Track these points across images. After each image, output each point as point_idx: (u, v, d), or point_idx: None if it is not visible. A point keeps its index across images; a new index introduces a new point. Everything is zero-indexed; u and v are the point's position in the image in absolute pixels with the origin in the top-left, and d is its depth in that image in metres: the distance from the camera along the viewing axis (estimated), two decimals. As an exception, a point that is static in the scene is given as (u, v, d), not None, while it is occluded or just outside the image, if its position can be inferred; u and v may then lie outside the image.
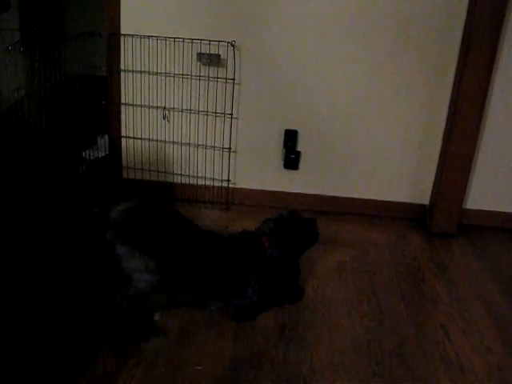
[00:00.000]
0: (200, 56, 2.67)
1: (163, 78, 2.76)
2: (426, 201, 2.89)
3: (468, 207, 2.87)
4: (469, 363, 1.88)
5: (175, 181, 2.94)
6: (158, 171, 2.92)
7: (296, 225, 2.09)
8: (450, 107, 2.69)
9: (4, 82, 2.64)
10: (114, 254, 1.77)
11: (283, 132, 2.81)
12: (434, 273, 2.44)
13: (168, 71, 2.74)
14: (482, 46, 2.49)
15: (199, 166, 2.90)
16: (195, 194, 2.94)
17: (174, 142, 2.87)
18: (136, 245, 1.79)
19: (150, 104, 2.82)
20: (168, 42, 2.69)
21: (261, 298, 2.03)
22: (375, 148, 2.82)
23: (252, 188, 2.90)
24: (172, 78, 2.76)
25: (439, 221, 2.79)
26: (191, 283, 1.94)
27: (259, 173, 2.90)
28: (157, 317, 1.95)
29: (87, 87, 2.87)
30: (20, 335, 1.82)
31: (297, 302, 2.15)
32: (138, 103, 2.83)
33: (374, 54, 2.66)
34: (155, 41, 2.69)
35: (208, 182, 2.91)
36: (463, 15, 2.54)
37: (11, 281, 2.10)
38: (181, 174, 2.92)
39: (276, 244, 2.03)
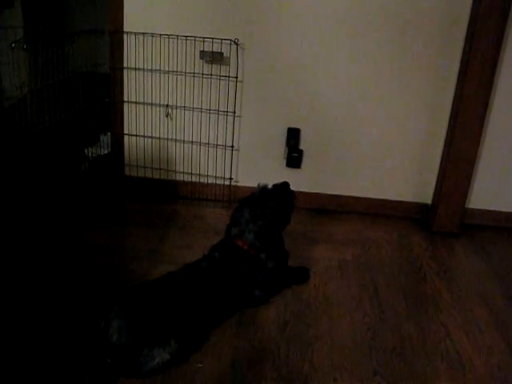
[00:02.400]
0: (203, 54, 2.67)
1: (166, 75, 2.76)
2: (428, 200, 2.89)
3: (470, 206, 2.87)
4: (470, 362, 1.88)
5: (178, 179, 2.94)
6: (160, 169, 2.92)
7: (267, 203, 2.11)
8: (453, 106, 2.68)
9: (7, 79, 2.64)
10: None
11: (286, 130, 2.81)
12: (435, 272, 2.44)
13: (171, 69, 2.74)
14: (485, 44, 2.48)
15: (202, 164, 2.90)
16: (198, 192, 2.94)
17: (176, 140, 2.87)
18: (151, 340, 1.70)
19: (153, 102, 2.82)
20: (171, 40, 2.69)
21: (270, 287, 2.10)
22: (378, 147, 2.82)
23: (254, 186, 2.88)
24: (175, 76, 2.76)
25: (441, 220, 2.78)
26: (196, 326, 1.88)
27: (262, 171, 2.89)
28: None
29: (90, 85, 2.87)
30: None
31: (304, 282, 2.23)
32: (141, 101, 2.83)
33: (376, 52, 2.65)
34: (158, 38, 2.69)
35: (211, 180, 2.91)
36: (467, 12, 2.54)
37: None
38: (183, 172, 2.92)
39: (255, 237, 2.04)
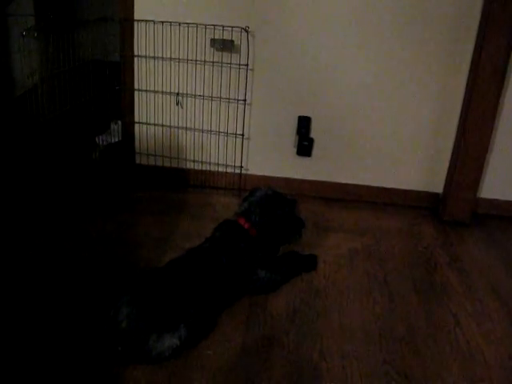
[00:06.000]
0: (213, 42, 2.66)
1: (176, 63, 2.76)
2: (439, 189, 2.87)
3: (482, 196, 2.85)
4: (480, 353, 1.87)
5: (188, 167, 2.95)
6: (170, 157, 2.92)
7: (283, 206, 2.13)
8: (465, 94, 2.65)
9: (18, 67, 2.65)
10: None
11: (296, 119, 2.80)
12: (446, 262, 2.43)
13: (181, 57, 2.74)
14: (499, 33, 2.44)
15: (212, 153, 2.90)
16: (208, 181, 2.95)
17: (187, 128, 2.87)
18: (160, 325, 1.70)
19: (164, 90, 2.81)
20: (181, 28, 2.68)
21: (278, 271, 2.10)
22: (389, 136, 2.80)
23: (265, 175, 2.90)
24: (185, 64, 2.75)
25: (452, 209, 2.77)
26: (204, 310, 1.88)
27: (272, 159, 2.89)
28: None
29: (101, 73, 2.87)
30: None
31: (313, 270, 2.25)
32: (152, 89, 2.82)
33: (388, 41, 2.63)
34: (169, 26, 2.68)
35: (221, 169, 2.91)
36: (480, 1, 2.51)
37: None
38: (194, 161, 2.92)
39: (259, 219, 2.05)
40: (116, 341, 1.67)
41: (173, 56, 2.74)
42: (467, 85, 2.63)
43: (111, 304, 1.74)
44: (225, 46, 2.66)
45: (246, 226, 2.05)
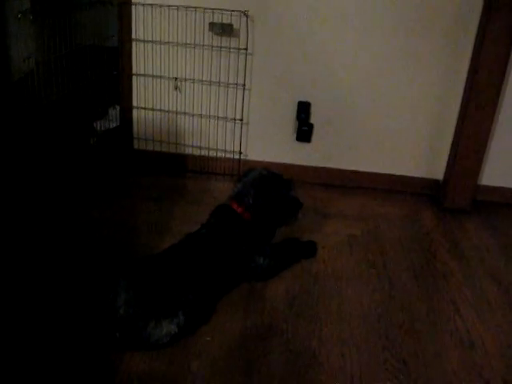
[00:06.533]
0: (212, 26, 2.63)
1: (175, 47, 2.72)
2: (439, 176, 2.85)
3: (483, 183, 2.83)
4: (479, 340, 1.86)
5: (186, 152, 2.92)
6: (169, 142, 2.90)
7: (279, 187, 2.09)
8: (467, 80, 2.62)
9: (15, 51, 2.61)
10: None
11: (296, 104, 2.77)
12: (446, 249, 2.42)
13: (180, 41, 2.70)
14: (501, 18, 2.40)
15: (211, 138, 2.88)
16: (206, 166, 2.92)
17: (185, 113, 2.84)
18: (158, 312, 1.70)
19: (162, 74, 2.78)
20: (180, 12, 2.64)
21: (277, 258, 2.09)
22: (389, 121, 2.78)
23: (264, 160, 2.87)
24: (184, 48, 2.72)
25: (453, 196, 2.75)
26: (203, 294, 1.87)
27: (271, 145, 2.87)
28: None
29: (98, 57, 2.84)
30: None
31: (312, 256, 2.23)
32: (150, 73, 2.79)
33: (389, 25, 2.59)
34: (167, 10, 2.64)
35: (219, 154, 2.89)
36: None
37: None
38: (192, 146, 2.90)
39: (252, 196, 2.02)
40: (114, 327, 1.66)
41: (171, 40, 2.71)
42: (469, 70, 2.60)
43: (109, 290, 1.73)
44: (224, 30, 2.62)
45: (239, 210, 2.03)
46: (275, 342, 1.78)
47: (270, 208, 2.05)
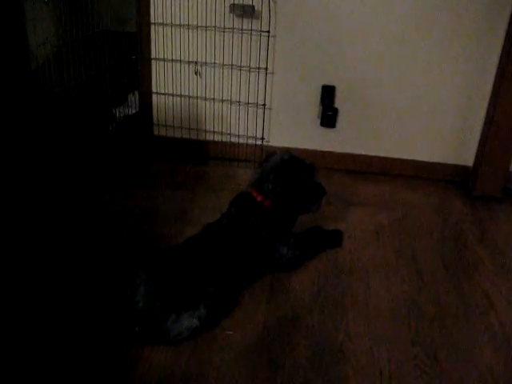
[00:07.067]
0: (233, 7, 2.56)
1: (195, 31, 2.66)
2: (469, 162, 2.76)
3: (515, 169, 2.73)
4: (515, 334, 1.79)
5: (207, 138, 2.87)
6: (189, 128, 2.85)
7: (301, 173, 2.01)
8: (499, 64, 2.52)
9: (31, 36, 2.57)
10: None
11: (320, 88, 2.69)
12: (477, 238, 2.33)
13: (200, 24, 2.64)
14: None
15: (232, 124, 2.82)
16: (228, 152, 2.87)
17: (206, 99, 2.79)
18: (178, 305, 1.64)
19: (182, 59, 2.73)
20: (200, -7, 2.58)
21: (301, 248, 2.02)
22: (417, 106, 2.69)
23: (287, 146, 2.80)
24: (204, 31, 2.65)
25: (483, 184, 2.67)
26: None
27: (294, 130, 2.80)
28: None
29: (117, 42, 2.79)
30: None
31: (337, 246, 2.18)
32: (169, 58, 2.74)
33: (416, 7, 2.50)
34: (187, -9, 2.58)
35: (242, 140, 2.84)
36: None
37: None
38: (213, 132, 2.85)
39: (272, 183, 1.94)
40: (133, 321, 1.61)
41: (191, 23, 2.64)
42: (502, 53, 2.49)
43: (128, 283, 1.68)
44: (245, 11, 2.55)
45: (259, 198, 1.96)
46: (300, 335, 1.72)
47: (291, 195, 1.98)
